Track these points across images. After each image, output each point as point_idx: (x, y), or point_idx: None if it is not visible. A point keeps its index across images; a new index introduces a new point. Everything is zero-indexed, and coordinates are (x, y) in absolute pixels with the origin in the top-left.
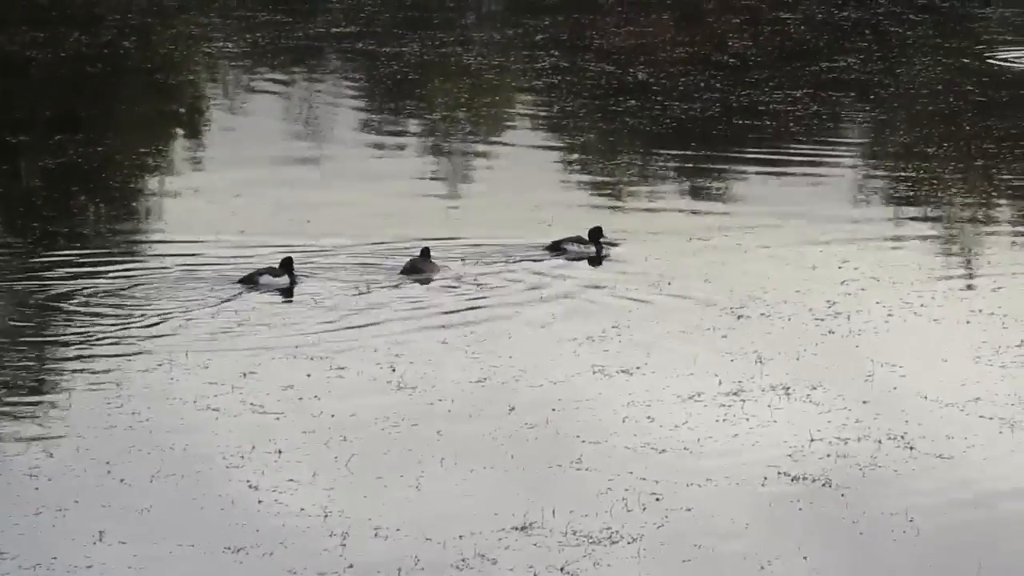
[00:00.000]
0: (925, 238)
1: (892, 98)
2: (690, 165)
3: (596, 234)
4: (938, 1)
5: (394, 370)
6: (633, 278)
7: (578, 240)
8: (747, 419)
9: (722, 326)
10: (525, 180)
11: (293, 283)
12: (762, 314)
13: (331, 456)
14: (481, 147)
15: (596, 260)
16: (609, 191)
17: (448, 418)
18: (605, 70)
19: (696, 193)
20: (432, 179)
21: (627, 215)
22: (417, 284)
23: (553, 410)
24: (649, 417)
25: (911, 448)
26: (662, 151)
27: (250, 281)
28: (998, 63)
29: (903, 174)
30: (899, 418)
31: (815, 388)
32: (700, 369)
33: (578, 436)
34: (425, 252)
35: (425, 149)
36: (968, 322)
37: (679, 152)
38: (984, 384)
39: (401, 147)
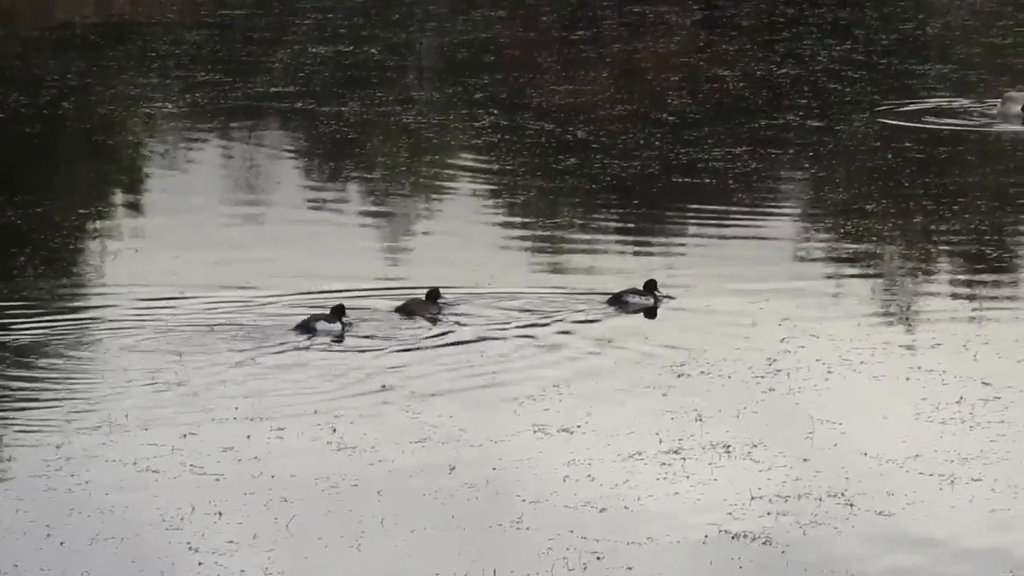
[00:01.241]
0: (864, 295)
1: (831, 155)
2: (630, 223)
3: (652, 286)
4: (876, 59)
5: (334, 430)
6: (573, 336)
7: (637, 292)
8: (687, 477)
9: (662, 384)
10: (466, 238)
11: (345, 329)
12: (702, 372)
13: (271, 517)
14: (422, 205)
15: (652, 312)
16: (550, 249)
17: (388, 478)
18: (544, 128)
19: (636, 251)
20: (373, 239)
21: (566, 274)
22: (354, 341)
23: (493, 469)
24: (589, 476)
25: (851, 505)
26: (602, 209)
27: (306, 328)
28: (936, 120)
29: (842, 231)
30: (839, 475)
31: (755, 446)
32: (640, 427)
33: (518, 495)
34: (432, 294)
35: (365, 208)
36: (908, 379)
37: (619, 210)
38: (924, 441)
39: (341, 206)
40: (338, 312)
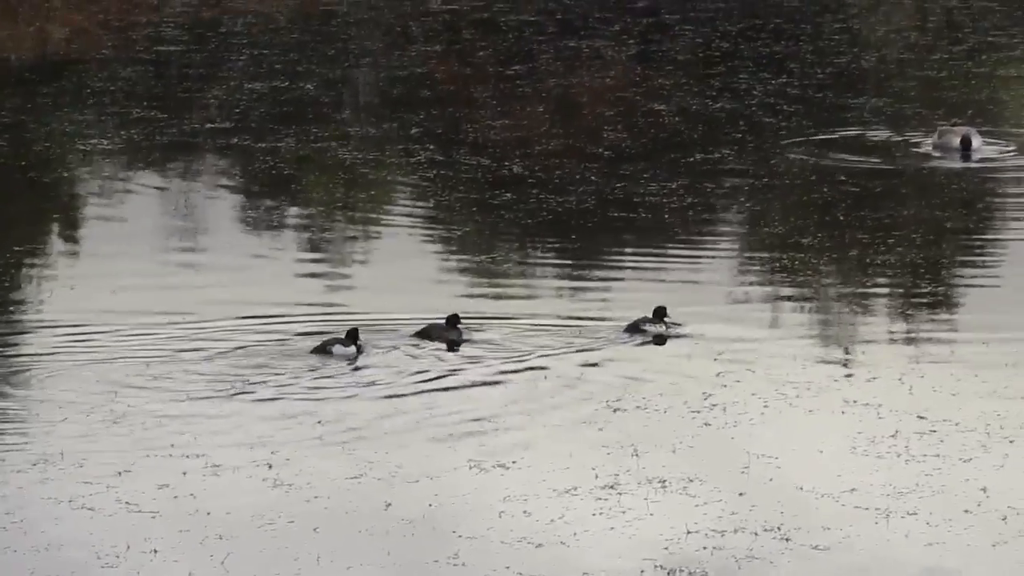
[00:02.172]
0: (800, 329)
1: (766, 189)
2: (567, 258)
3: (661, 313)
4: (811, 92)
5: (270, 467)
6: (508, 372)
7: (651, 320)
8: (623, 512)
9: (598, 419)
10: (403, 273)
11: (360, 352)
12: (638, 406)
13: (207, 555)
14: (359, 241)
15: (662, 339)
16: (487, 284)
17: (325, 515)
18: (480, 163)
19: (573, 285)
20: (310, 274)
21: (505, 305)
22: (295, 376)
23: (430, 505)
24: (526, 511)
25: (787, 540)
26: (539, 243)
27: (323, 351)
28: (871, 154)
29: (778, 265)
30: (775, 509)
31: (691, 480)
32: (576, 462)
33: (455, 531)
34: (452, 320)
35: (302, 244)
36: (843, 413)
37: (556, 244)
38: (859, 475)
39: (278, 242)
40: (352, 336)
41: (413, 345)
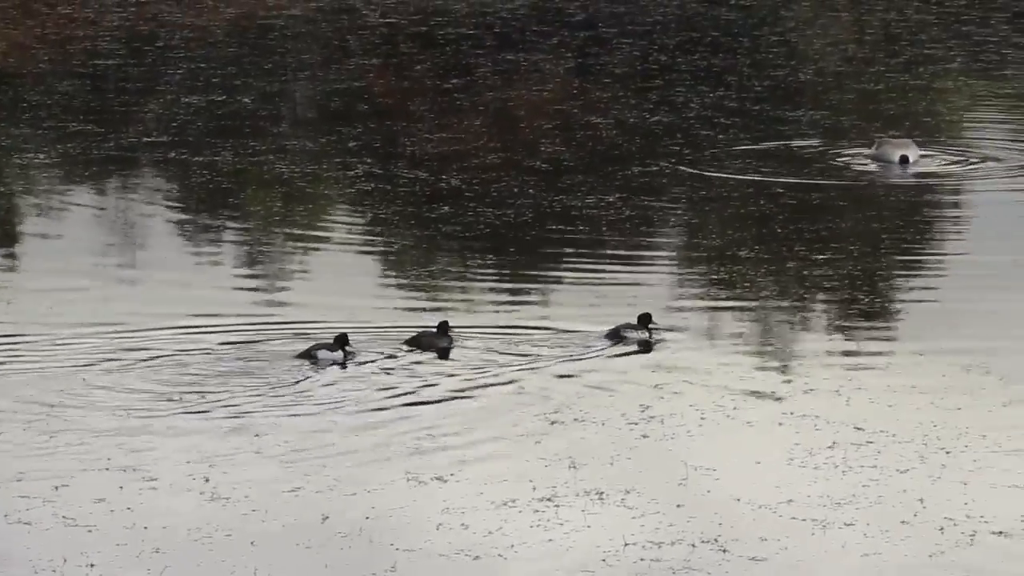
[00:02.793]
0: (738, 341)
1: (704, 201)
2: (505, 270)
3: (646, 320)
4: (749, 105)
5: (207, 480)
6: (446, 384)
7: (632, 327)
8: (561, 524)
9: (536, 431)
10: (340, 286)
11: (347, 358)
12: (575, 419)
13: (144, 568)
14: (296, 254)
15: (647, 346)
16: (424, 297)
17: (262, 528)
18: (418, 177)
19: (511, 299)
20: (248, 288)
21: (442, 317)
22: (232, 388)
23: (367, 518)
24: (463, 524)
25: (724, 551)
26: (476, 257)
27: (308, 356)
28: (808, 166)
29: (715, 277)
30: (712, 521)
31: (629, 492)
32: (514, 475)
33: (392, 544)
34: (442, 327)
35: (240, 257)
36: (781, 424)
37: (493, 258)
38: (796, 486)
39: (216, 255)
40: (341, 341)
41: (400, 353)
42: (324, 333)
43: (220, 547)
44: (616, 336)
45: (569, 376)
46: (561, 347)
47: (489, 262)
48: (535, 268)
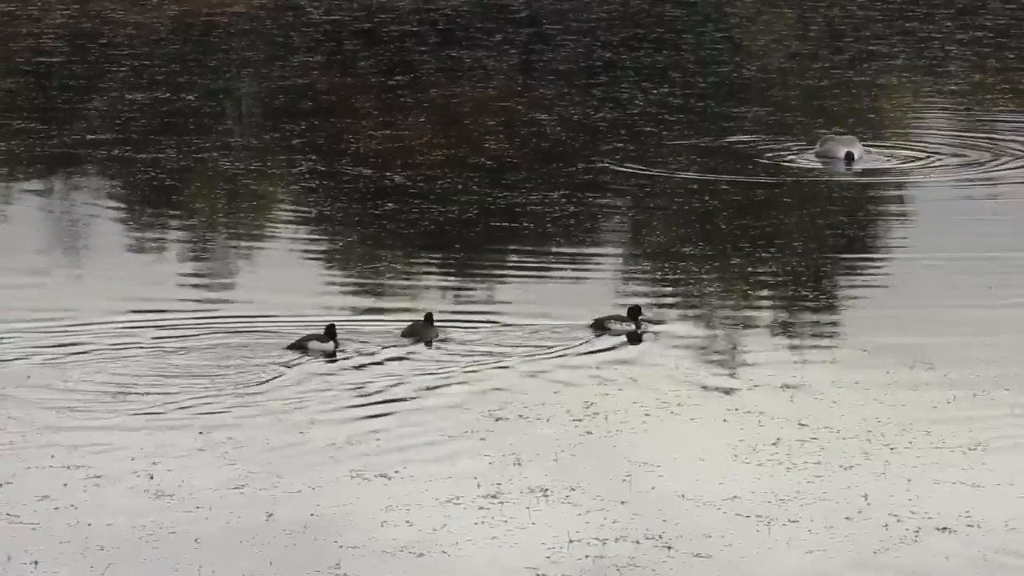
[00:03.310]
0: (681, 337)
1: (648, 198)
2: (450, 268)
3: (635, 312)
4: (693, 102)
5: (151, 478)
6: (392, 382)
7: (619, 318)
8: (506, 521)
9: (480, 428)
10: (285, 284)
11: (337, 348)
12: (520, 416)
13: (88, 566)
14: (241, 252)
15: (636, 338)
16: (369, 294)
17: (206, 525)
18: (362, 174)
19: (455, 296)
20: (192, 284)
21: (387, 317)
22: (176, 385)
23: (312, 515)
24: (408, 521)
25: (669, 547)
26: (421, 254)
27: (299, 347)
28: (753, 163)
29: (660, 274)
30: (657, 517)
31: (573, 489)
32: (458, 472)
33: (336, 541)
34: (428, 317)
35: (184, 254)
36: (725, 421)
37: (438, 255)
38: (741, 482)
39: (160, 252)
40: (330, 332)
41: (344, 350)
42: (268, 329)
43: (164, 545)
44: (600, 328)
45: (514, 373)
46: (506, 344)
47: (434, 259)
48: (480, 265)
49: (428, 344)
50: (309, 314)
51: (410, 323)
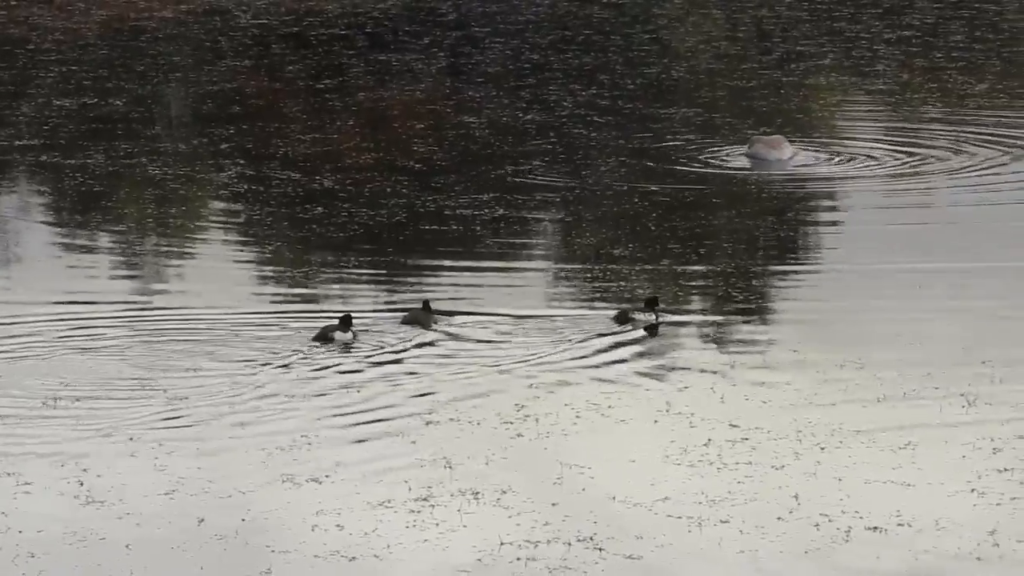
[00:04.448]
0: (612, 339)
1: (578, 200)
2: (380, 270)
3: (653, 303)
4: (621, 103)
5: (82, 483)
6: (320, 386)
7: (640, 310)
8: (437, 524)
9: (411, 431)
10: (215, 289)
11: (354, 338)
12: (451, 418)
13: (19, 573)
14: (171, 257)
15: (653, 329)
16: (299, 299)
17: (137, 531)
18: (291, 177)
19: (386, 299)
20: (121, 290)
21: (316, 322)
22: (105, 390)
23: (242, 520)
24: (339, 525)
25: (600, 549)
26: (350, 257)
27: (324, 338)
28: (682, 164)
29: (590, 275)
30: (588, 519)
31: (504, 492)
32: (389, 475)
33: (267, 546)
34: (426, 305)
35: (114, 259)
36: (655, 422)
37: (368, 258)
38: (672, 483)
39: (90, 259)
40: (347, 322)
41: (276, 354)
42: (197, 334)
43: (95, 551)
44: (624, 319)
45: (444, 376)
46: (435, 347)
47: (363, 262)
48: (409, 268)
49: (428, 330)
50: (239, 318)
51: (410, 311)
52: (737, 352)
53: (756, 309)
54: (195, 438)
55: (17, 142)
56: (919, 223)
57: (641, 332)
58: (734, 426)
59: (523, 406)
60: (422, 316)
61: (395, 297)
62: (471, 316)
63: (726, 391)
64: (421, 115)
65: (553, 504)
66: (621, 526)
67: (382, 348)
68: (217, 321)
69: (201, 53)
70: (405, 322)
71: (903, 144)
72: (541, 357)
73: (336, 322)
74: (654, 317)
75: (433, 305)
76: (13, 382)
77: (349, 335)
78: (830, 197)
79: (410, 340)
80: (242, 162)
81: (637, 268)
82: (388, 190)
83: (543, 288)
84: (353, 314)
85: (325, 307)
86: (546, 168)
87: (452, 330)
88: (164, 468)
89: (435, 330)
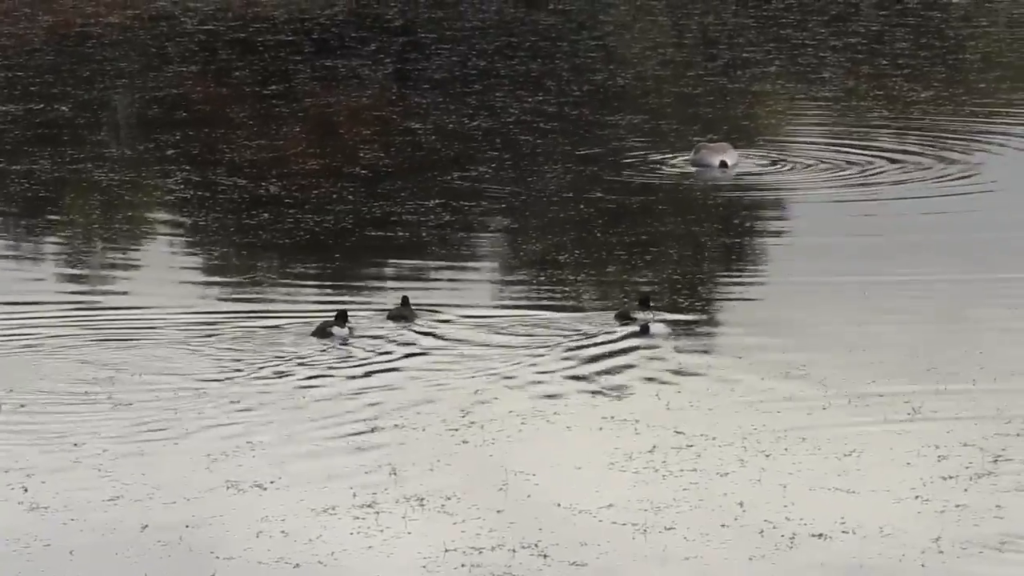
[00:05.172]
0: (558, 346)
1: (524, 206)
2: (326, 277)
3: (646, 301)
4: (568, 110)
5: (25, 490)
6: (264, 392)
7: (639, 308)
8: (381, 531)
9: (356, 438)
10: (161, 294)
11: (351, 333)
12: (396, 425)
13: None
14: (117, 263)
15: (646, 328)
16: (245, 305)
17: (81, 537)
18: (237, 184)
19: (331, 304)
20: (67, 294)
21: (260, 329)
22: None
23: (187, 527)
24: (283, 531)
25: (545, 556)
26: (296, 264)
27: (324, 334)
28: (628, 171)
29: (535, 281)
30: (533, 526)
31: (449, 498)
32: (334, 482)
33: (212, 552)
34: (405, 300)
35: (60, 265)
36: (601, 429)
37: (315, 264)
38: (617, 490)
39: (35, 263)
40: (343, 317)
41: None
42: (143, 342)
43: (39, 557)
44: (626, 318)
45: (391, 383)
46: (382, 353)
47: (310, 268)
48: (356, 274)
49: (413, 323)
50: (185, 324)
51: (394, 307)
52: (682, 359)
53: (701, 316)
54: (139, 444)
55: None
56: (864, 230)
57: (589, 340)
58: (679, 433)
59: (468, 412)
60: (407, 311)
61: (342, 301)
62: (417, 322)
63: (671, 398)
64: (367, 121)
65: (498, 511)
66: (566, 533)
67: (328, 353)
68: (162, 327)
69: (147, 59)
70: (391, 318)
71: (849, 151)
72: (486, 364)
73: (332, 318)
74: (651, 315)
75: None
76: None
77: (346, 330)
78: (776, 204)
79: (351, 349)
80: (188, 168)
81: (583, 274)
82: (334, 196)
83: (488, 295)
84: (305, 316)
85: (271, 312)
86: (492, 174)
87: (398, 336)
88: (108, 474)
89: (420, 323)
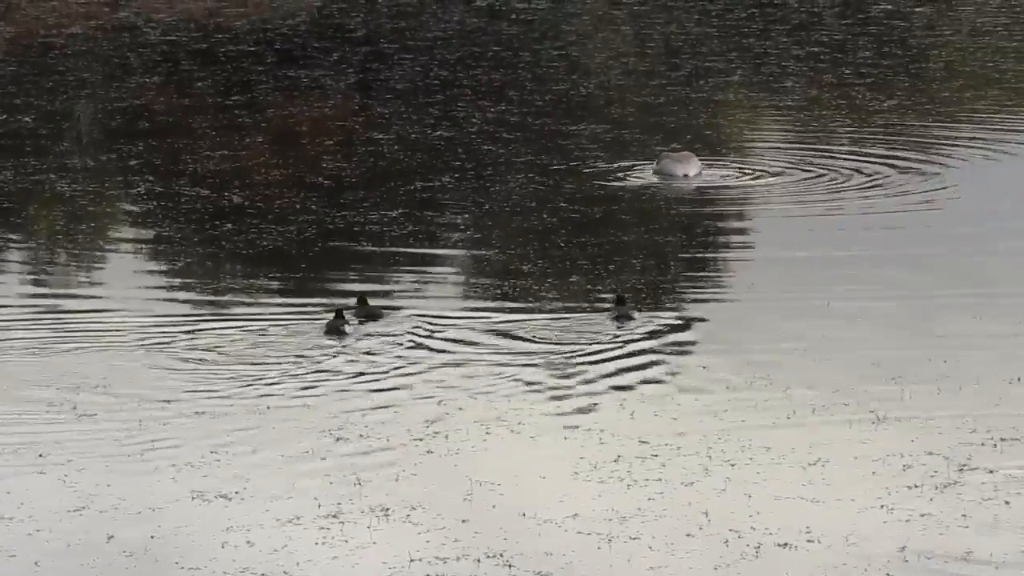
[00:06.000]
0: (522, 355)
1: (487, 216)
2: (289, 287)
3: (622, 301)
4: (531, 120)
5: None
6: (229, 402)
7: (628, 306)
8: (346, 541)
9: (320, 448)
10: (124, 305)
11: (356, 324)
12: (360, 435)
13: None
14: (80, 274)
15: (630, 316)
16: (208, 314)
17: (45, 549)
18: (200, 194)
19: (295, 315)
20: (30, 306)
21: (222, 339)
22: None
23: (152, 537)
24: (248, 542)
25: (510, 566)
26: (260, 274)
27: (336, 331)
28: (591, 180)
29: (499, 291)
30: (498, 536)
31: (414, 508)
32: (299, 492)
33: (177, 563)
34: (362, 299)
35: (23, 277)
36: (565, 438)
37: (280, 274)
38: (582, 500)
39: None
40: (340, 316)
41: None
42: (107, 353)
43: (3, 568)
44: (626, 318)
45: (354, 392)
46: (346, 363)
47: (273, 279)
48: (319, 285)
49: (381, 319)
50: (149, 334)
51: (367, 310)
52: (646, 368)
53: (665, 325)
54: (104, 454)
55: None
56: (827, 240)
57: (552, 349)
58: (644, 442)
59: (433, 422)
60: (372, 310)
61: (306, 310)
62: (377, 332)
63: (636, 407)
64: (330, 131)
65: (463, 520)
66: (531, 543)
67: (292, 362)
68: (126, 338)
69: (110, 69)
70: (359, 320)
71: (812, 159)
72: (450, 373)
73: (333, 316)
74: (637, 311)
75: (346, 312)
76: None
77: (352, 326)
78: (739, 214)
79: (315, 359)
80: (151, 178)
81: (546, 284)
82: (297, 206)
83: (451, 305)
84: (269, 326)
85: (235, 322)
86: (455, 184)
87: (361, 346)
88: (74, 484)
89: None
